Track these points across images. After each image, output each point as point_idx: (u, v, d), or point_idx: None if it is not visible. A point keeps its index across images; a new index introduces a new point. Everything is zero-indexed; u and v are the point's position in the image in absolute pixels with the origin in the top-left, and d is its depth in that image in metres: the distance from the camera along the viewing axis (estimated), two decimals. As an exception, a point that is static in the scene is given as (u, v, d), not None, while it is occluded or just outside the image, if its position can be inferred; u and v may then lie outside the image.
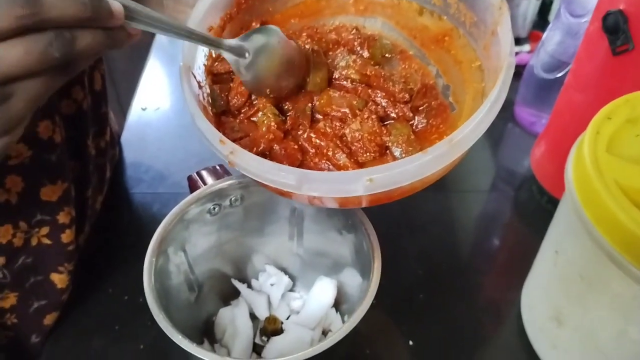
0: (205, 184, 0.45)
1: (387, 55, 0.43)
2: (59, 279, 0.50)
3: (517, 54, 0.80)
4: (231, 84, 0.42)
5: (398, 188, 0.32)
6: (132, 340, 0.50)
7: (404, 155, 0.37)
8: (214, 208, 0.44)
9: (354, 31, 0.44)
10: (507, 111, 0.74)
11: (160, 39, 0.89)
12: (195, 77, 0.39)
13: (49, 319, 0.51)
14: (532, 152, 0.64)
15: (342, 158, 0.37)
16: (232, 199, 0.44)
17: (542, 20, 0.85)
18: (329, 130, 0.39)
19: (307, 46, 0.42)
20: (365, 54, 0.43)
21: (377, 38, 0.44)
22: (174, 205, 0.42)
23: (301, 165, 0.38)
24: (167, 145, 0.71)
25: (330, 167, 0.38)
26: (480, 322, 0.52)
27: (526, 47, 0.82)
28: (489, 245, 0.60)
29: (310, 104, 0.40)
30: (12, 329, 0.49)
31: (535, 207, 0.62)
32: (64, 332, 0.51)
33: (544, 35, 0.65)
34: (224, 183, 0.43)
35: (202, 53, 0.41)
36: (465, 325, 0.52)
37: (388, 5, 0.45)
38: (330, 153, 0.38)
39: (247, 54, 0.37)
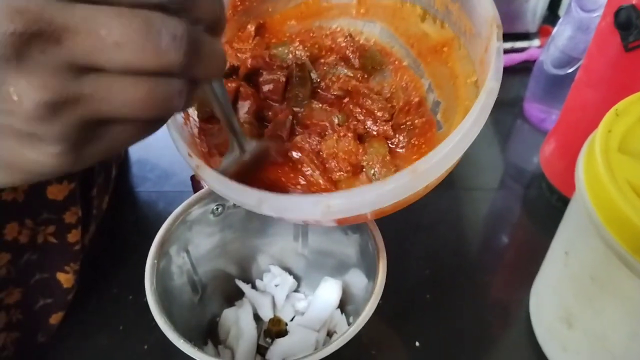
0: (208, 184, 0.45)
1: (376, 67, 0.42)
2: (65, 279, 0.50)
3: (526, 49, 0.79)
4: None
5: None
6: (136, 341, 0.50)
7: (377, 177, 0.37)
8: (217, 208, 0.43)
9: (348, 38, 0.43)
10: (516, 107, 0.73)
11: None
12: None
13: (54, 319, 0.51)
14: (541, 150, 0.63)
15: (315, 175, 0.36)
16: (236, 199, 0.43)
17: (552, 15, 0.83)
18: (306, 145, 0.38)
19: (298, 52, 0.41)
20: (357, 62, 0.42)
21: (368, 48, 0.43)
22: (180, 203, 0.42)
23: (276, 178, 0.37)
24: (172, 143, 0.70)
25: (304, 182, 0.37)
26: (487, 322, 0.51)
27: (536, 42, 0.81)
28: (497, 244, 0.59)
29: (291, 117, 0.39)
30: (17, 327, 0.49)
31: (545, 205, 0.61)
32: (68, 332, 0.51)
33: (554, 30, 0.64)
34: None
35: None
36: (473, 325, 0.51)
37: (390, 7, 0.43)
38: (304, 169, 0.37)
39: (246, 154, 0.36)
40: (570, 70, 0.63)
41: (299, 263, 0.50)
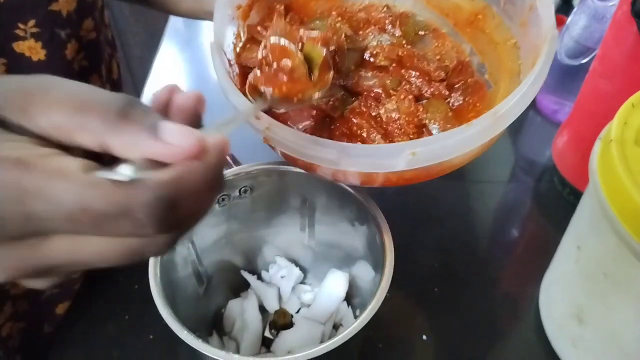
0: (214, 174, 0.44)
1: (420, 32, 0.42)
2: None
3: (539, 39, 0.78)
4: None
5: (437, 165, 0.31)
6: (142, 330, 0.49)
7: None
8: (223, 198, 0.43)
9: (385, 9, 0.43)
10: (528, 98, 0.72)
11: (175, 23, 0.88)
12: (225, 54, 0.38)
13: (61, 308, 0.51)
14: (554, 142, 0.62)
15: (377, 138, 0.36)
16: (241, 189, 0.43)
17: (566, 4, 0.81)
18: (364, 109, 0.38)
19: (338, 25, 0.41)
20: (397, 32, 0.42)
21: (410, 15, 0.43)
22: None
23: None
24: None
25: None
26: (496, 317, 0.51)
27: (549, 32, 0.79)
28: (507, 238, 0.58)
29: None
30: (24, 317, 0.49)
31: (556, 198, 0.60)
32: (74, 322, 0.51)
33: (569, 19, 0.62)
34: (233, 173, 0.42)
35: (231, 32, 0.40)
36: (481, 320, 0.50)
37: None
38: (364, 134, 0.37)
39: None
40: (584, 61, 0.61)
41: (305, 255, 0.50)
